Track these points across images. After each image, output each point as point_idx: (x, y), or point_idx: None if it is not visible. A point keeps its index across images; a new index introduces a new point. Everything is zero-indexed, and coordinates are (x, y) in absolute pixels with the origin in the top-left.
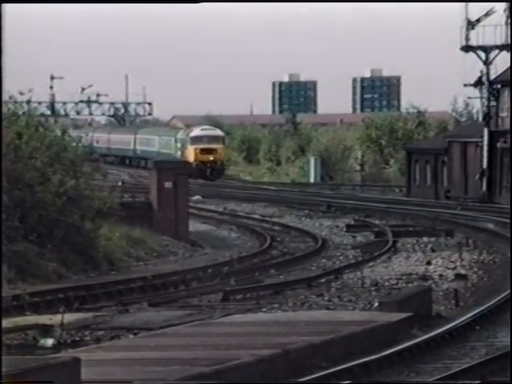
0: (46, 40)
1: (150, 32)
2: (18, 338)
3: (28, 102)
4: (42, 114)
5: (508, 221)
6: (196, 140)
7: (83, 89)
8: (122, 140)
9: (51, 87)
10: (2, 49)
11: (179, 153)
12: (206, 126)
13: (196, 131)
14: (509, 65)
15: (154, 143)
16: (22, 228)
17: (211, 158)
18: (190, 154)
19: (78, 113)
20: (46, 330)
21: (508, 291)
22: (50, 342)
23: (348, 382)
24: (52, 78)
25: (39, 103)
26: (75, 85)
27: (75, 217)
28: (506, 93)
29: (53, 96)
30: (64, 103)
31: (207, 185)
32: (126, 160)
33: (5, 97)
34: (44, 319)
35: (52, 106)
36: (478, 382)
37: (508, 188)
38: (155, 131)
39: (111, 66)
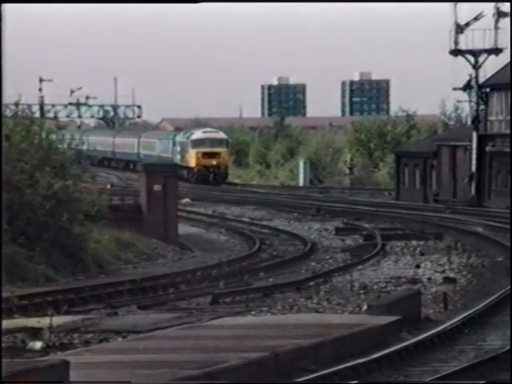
0: (34, 42)
1: (138, 35)
2: (6, 341)
3: (16, 104)
4: (32, 116)
5: (497, 224)
6: (198, 143)
7: (72, 91)
8: (126, 144)
9: (40, 89)
10: (2, 49)
11: (178, 157)
12: (208, 129)
13: (197, 134)
14: (497, 69)
15: (155, 147)
16: (11, 231)
17: (214, 163)
18: (192, 158)
19: (68, 116)
20: (35, 333)
21: (497, 294)
22: (38, 344)
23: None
24: (41, 80)
25: (28, 105)
26: (64, 87)
27: (64, 220)
28: (495, 96)
29: (42, 98)
30: (53, 105)
31: (196, 188)
32: (130, 165)
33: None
34: (33, 322)
35: (41, 108)
36: (479, 381)
37: (497, 191)
38: (156, 134)
39: (100, 68)
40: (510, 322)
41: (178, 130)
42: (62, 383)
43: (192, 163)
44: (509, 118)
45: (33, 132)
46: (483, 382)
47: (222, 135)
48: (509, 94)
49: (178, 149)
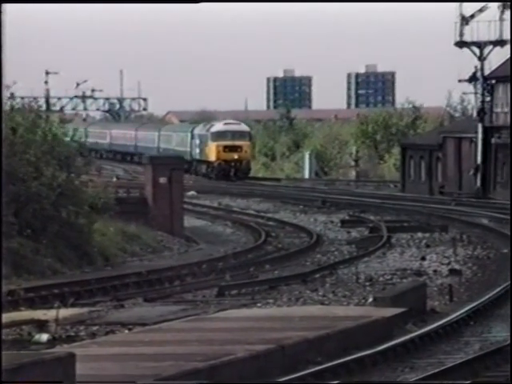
0: (41, 35)
1: (144, 28)
2: (13, 334)
3: (22, 97)
4: (38, 109)
5: (502, 216)
6: (218, 136)
7: (78, 84)
8: (148, 137)
9: (46, 82)
10: (2, 49)
11: (197, 150)
12: (229, 120)
13: (218, 126)
14: (503, 60)
15: (172, 140)
16: (17, 223)
17: (236, 157)
18: (212, 152)
19: (74, 108)
20: (41, 326)
21: (502, 286)
22: (44, 337)
23: (336, 382)
24: (47, 73)
25: (34, 98)
26: (70, 80)
27: (69, 212)
28: (501, 88)
29: (48, 91)
30: (59, 98)
31: (202, 180)
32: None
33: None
34: (39, 314)
35: (47, 101)
36: (464, 381)
37: (502, 183)
38: (174, 127)
39: (106, 61)
40: (511, 320)
41: (193, 122)
42: (61, 383)
43: (212, 157)
44: None
45: (38, 124)
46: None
47: (244, 127)
48: None
49: (197, 142)
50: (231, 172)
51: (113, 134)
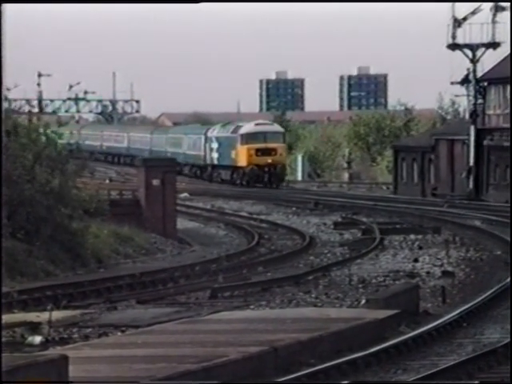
0: (33, 37)
1: (136, 30)
2: (5, 336)
3: (15, 100)
4: (30, 112)
5: (495, 218)
6: (249, 138)
7: (71, 86)
8: (159, 141)
9: (39, 84)
10: (2, 48)
11: (215, 154)
12: (261, 120)
13: (249, 127)
14: (495, 63)
15: (181, 143)
16: (10, 226)
17: (269, 161)
18: (242, 156)
19: (66, 110)
20: (34, 328)
21: (495, 288)
22: (37, 339)
23: (346, 382)
24: (39, 75)
25: (27, 100)
26: (63, 82)
27: (63, 215)
28: (493, 90)
29: (40, 93)
30: (51, 100)
31: (195, 182)
32: None
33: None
34: (32, 317)
35: (39, 103)
36: (453, 382)
37: (495, 185)
38: (184, 129)
39: (99, 63)
40: (510, 317)
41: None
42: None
43: (242, 162)
44: (507, 111)
45: (32, 128)
46: (484, 382)
47: (277, 127)
48: (507, 87)
49: (215, 145)
50: (265, 178)
51: (131, 137)
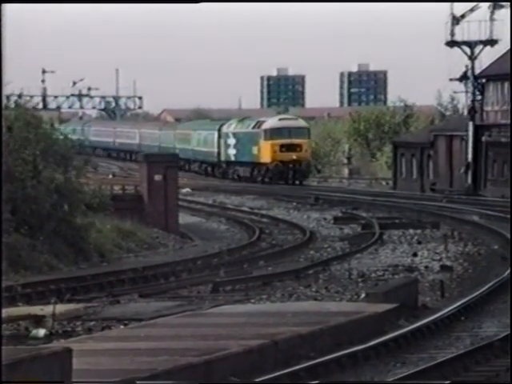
0: (37, 34)
1: (139, 26)
2: (10, 329)
3: (20, 95)
4: (34, 108)
5: (493, 213)
6: (274, 133)
7: (74, 83)
8: (167, 137)
9: (43, 81)
10: (2, 49)
11: (232, 151)
12: (284, 115)
13: (272, 122)
14: (493, 59)
15: (190, 139)
16: (14, 220)
17: (294, 157)
18: (266, 152)
19: (70, 107)
20: (38, 321)
21: (493, 282)
22: (41, 332)
23: (316, 382)
24: (44, 71)
25: (31, 97)
26: (67, 79)
27: (66, 210)
28: (491, 87)
29: (44, 90)
30: (55, 97)
31: (197, 178)
32: None
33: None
34: (36, 310)
35: (44, 99)
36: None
37: (493, 181)
38: (193, 125)
39: (102, 60)
40: (510, 312)
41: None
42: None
43: (265, 158)
44: (505, 107)
45: (34, 125)
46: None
47: (302, 123)
48: (505, 84)
49: (232, 141)
50: (289, 175)
51: (142, 133)
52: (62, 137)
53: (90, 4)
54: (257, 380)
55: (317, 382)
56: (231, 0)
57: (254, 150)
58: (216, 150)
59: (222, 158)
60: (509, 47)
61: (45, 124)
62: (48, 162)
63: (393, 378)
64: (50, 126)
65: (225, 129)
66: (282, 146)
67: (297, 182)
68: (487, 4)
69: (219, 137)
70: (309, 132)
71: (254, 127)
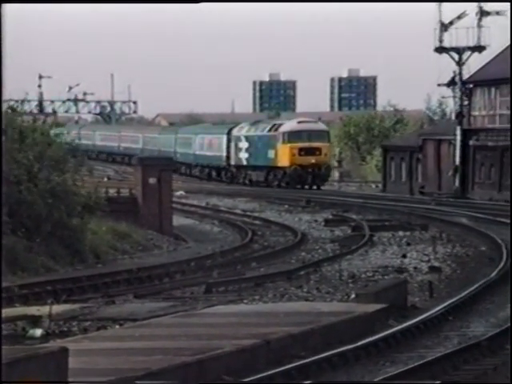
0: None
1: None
2: (7, 329)
3: (22, 101)
4: (31, 112)
5: (481, 215)
6: (292, 136)
7: (70, 88)
8: (167, 141)
9: (39, 86)
10: (2, 49)
11: (244, 155)
12: (303, 118)
13: (291, 124)
14: (481, 65)
15: (192, 144)
16: (11, 223)
17: (313, 161)
18: (284, 156)
19: (66, 111)
20: (35, 321)
21: (480, 282)
22: (38, 332)
23: (309, 382)
24: (40, 77)
25: (28, 101)
26: (63, 84)
27: (62, 212)
28: (478, 92)
29: (41, 94)
30: (52, 101)
31: (190, 181)
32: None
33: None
34: (33, 310)
35: (40, 104)
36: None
37: (480, 184)
38: (194, 129)
39: (97, 65)
40: (510, 309)
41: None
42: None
43: (284, 162)
44: (491, 112)
45: (31, 128)
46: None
47: (322, 126)
48: (492, 89)
49: (244, 145)
50: (308, 179)
51: (145, 138)
52: (58, 140)
53: (89, 4)
54: (249, 379)
55: (309, 382)
56: (231, 0)
57: (270, 153)
58: (224, 153)
59: (232, 162)
60: (496, 53)
61: (40, 128)
62: (43, 165)
63: (383, 377)
64: (48, 127)
65: (235, 132)
66: (300, 149)
67: (314, 187)
68: (475, 11)
69: (229, 140)
70: (329, 135)
71: (270, 130)
